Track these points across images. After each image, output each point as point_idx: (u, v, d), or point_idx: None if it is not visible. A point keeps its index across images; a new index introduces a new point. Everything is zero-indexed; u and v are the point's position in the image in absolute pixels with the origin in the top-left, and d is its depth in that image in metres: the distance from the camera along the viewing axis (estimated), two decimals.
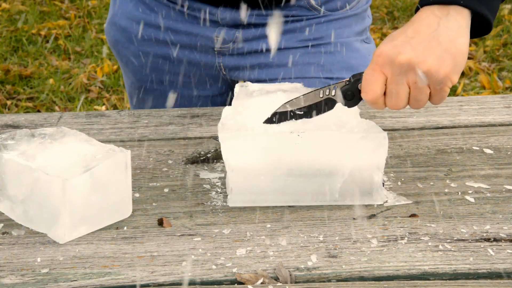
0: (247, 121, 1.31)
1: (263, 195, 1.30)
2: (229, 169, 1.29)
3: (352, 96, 1.29)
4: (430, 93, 1.25)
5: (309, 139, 1.26)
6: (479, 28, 1.31)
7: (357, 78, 1.28)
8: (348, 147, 1.27)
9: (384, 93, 1.26)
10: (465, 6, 1.26)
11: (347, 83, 1.29)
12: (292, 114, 1.30)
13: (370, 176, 1.28)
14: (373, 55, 1.26)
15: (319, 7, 1.66)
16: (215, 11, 1.65)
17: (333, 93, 1.29)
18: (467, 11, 1.27)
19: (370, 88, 1.25)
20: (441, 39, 1.24)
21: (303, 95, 1.30)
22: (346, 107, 1.30)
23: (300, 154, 1.27)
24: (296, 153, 1.27)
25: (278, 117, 1.30)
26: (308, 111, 1.30)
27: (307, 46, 1.68)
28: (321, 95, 1.30)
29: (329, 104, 1.30)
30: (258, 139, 1.27)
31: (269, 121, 1.30)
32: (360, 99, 1.29)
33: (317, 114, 1.30)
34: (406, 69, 1.23)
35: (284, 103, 1.30)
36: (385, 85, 1.25)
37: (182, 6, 1.68)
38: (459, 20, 1.26)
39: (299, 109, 1.30)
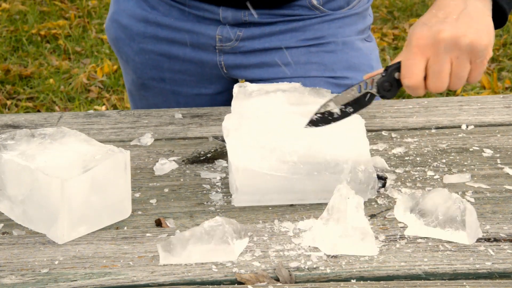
0: (252, 126, 1.32)
1: (268, 194, 1.30)
2: (234, 169, 1.29)
3: (390, 87, 1.29)
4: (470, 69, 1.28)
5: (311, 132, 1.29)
6: (495, 19, 1.34)
7: (394, 67, 1.29)
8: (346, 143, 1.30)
9: (425, 78, 1.27)
10: None
11: (383, 74, 1.29)
12: (333, 113, 1.30)
13: (367, 170, 1.30)
14: (412, 39, 1.27)
15: (320, 7, 1.67)
16: (217, 10, 1.66)
17: (370, 87, 1.30)
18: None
19: (412, 72, 1.26)
20: (473, 15, 1.27)
21: (342, 92, 1.30)
22: (384, 99, 1.32)
23: (304, 148, 1.29)
24: (300, 150, 1.29)
25: (320, 118, 1.29)
26: (350, 108, 1.30)
27: (309, 45, 1.69)
28: (359, 91, 1.30)
29: (368, 98, 1.30)
30: (266, 155, 1.29)
31: (312, 123, 1.29)
32: (399, 88, 1.29)
33: (358, 109, 1.30)
34: (450, 44, 1.25)
35: (325, 102, 1.30)
36: (425, 68, 1.26)
37: (184, 4, 1.68)
38: (482, 1, 1.30)
39: (341, 107, 1.30)
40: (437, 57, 1.26)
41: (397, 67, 1.29)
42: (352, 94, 1.30)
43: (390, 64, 1.31)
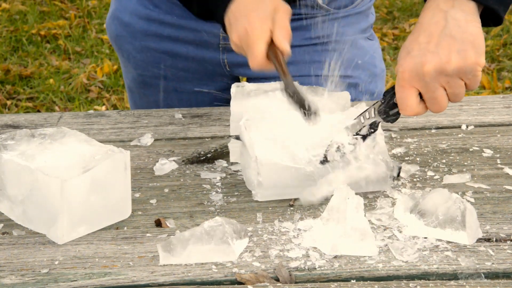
0: (272, 122, 1.35)
1: (291, 187, 1.31)
2: (259, 163, 1.29)
3: (391, 112, 1.30)
4: (465, 83, 1.27)
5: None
6: (489, 19, 1.33)
7: (391, 93, 1.30)
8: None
9: (422, 99, 1.28)
10: None
11: (382, 102, 1.31)
12: (342, 148, 1.32)
13: (385, 160, 1.31)
14: (397, 72, 1.27)
15: (325, 5, 1.67)
16: None
17: (373, 115, 1.31)
18: (472, 3, 1.29)
19: (406, 104, 1.28)
20: (453, 33, 1.26)
21: (350, 125, 1.32)
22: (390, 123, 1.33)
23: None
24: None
25: (331, 156, 1.31)
26: (357, 140, 1.32)
27: (313, 44, 1.69)
28: (362, 121, 1.31)
29: (372, 126, 1.32)
30: (289, 149, 1.30)
31: (324, 162, 1.30)
32: (399, 113, 1.31)
33: (365, 139, 1.31)
34: (435, 75, 1.25)
35: (332, 140, 1.31)
36: (419, 94, 1.27)
37: None
38: (464, 9, 1.28)
39: (352, 137, 1.32)
40: (427, 87, 1.26)
41: (394, 92, 1.30)
42: (356, 126, 1.32)
43: (386, 90, 1.32)
